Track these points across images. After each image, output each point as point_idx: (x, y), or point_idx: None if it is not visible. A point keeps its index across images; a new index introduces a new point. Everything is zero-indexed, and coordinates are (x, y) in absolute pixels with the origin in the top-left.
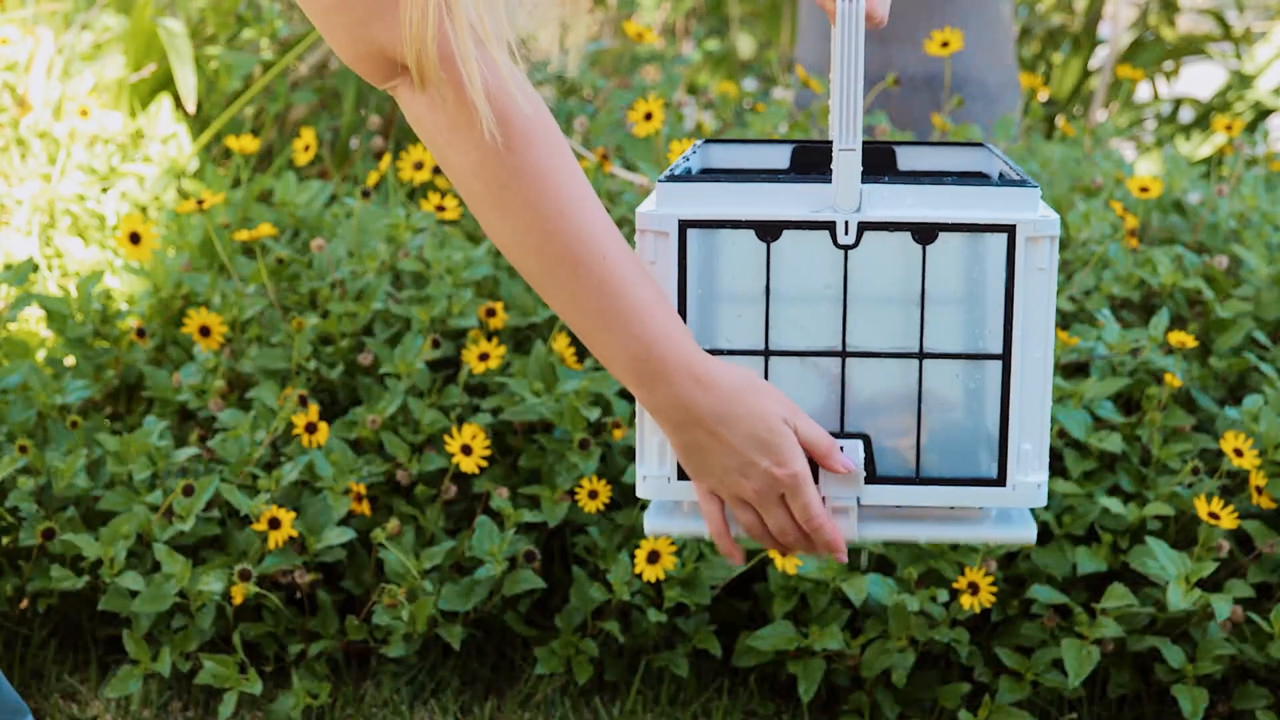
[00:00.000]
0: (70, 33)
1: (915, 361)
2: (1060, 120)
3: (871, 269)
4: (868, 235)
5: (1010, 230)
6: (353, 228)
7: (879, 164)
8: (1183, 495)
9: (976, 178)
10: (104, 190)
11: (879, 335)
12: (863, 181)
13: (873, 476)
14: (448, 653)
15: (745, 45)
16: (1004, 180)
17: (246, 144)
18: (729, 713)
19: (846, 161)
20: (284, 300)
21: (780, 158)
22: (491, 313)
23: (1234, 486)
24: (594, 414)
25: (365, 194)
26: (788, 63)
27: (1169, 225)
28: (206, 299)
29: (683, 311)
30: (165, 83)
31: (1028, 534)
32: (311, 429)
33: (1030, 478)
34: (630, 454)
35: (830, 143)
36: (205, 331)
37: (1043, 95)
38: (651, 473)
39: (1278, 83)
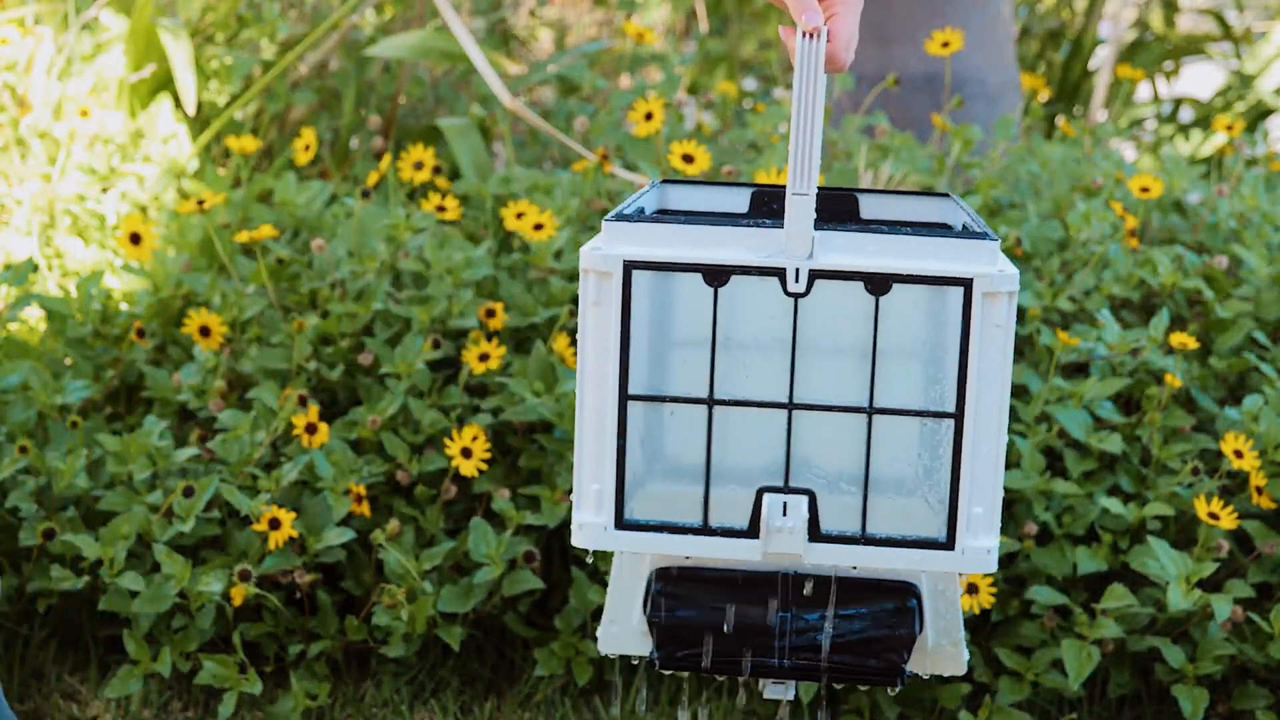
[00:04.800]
0: (70, 33)
1: (865, 417)
2: (1060, 120)
3: (825, 319)
4: (820, 284)
5: (967, 284)
6: (353, 228)
7: (840, 211)
8: (1183, 495)
9: (939, 229)
10: (104, 190)
11: (830, 388)
12: (819, 228)
13: (817, 535)
14: (448, 653)
15: (745, 45)
16: (964, 232)
17: (246, 144)
18: (729, 713)
19: (799, 206)
20: (284, 300)
21: (739, 201)
22: (491, 313)
23: (1234, 487)
24: None
25: (365, 194)
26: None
27: (1169, 225)
28: (206, 299)
29: (625, 354)
30: (165, 83)
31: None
32: (311, 429)
33: (980, 542)
34: None
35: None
36: (205, 331)
37: (1043, 95)
38: (588, 520)
39: (1278, 83)
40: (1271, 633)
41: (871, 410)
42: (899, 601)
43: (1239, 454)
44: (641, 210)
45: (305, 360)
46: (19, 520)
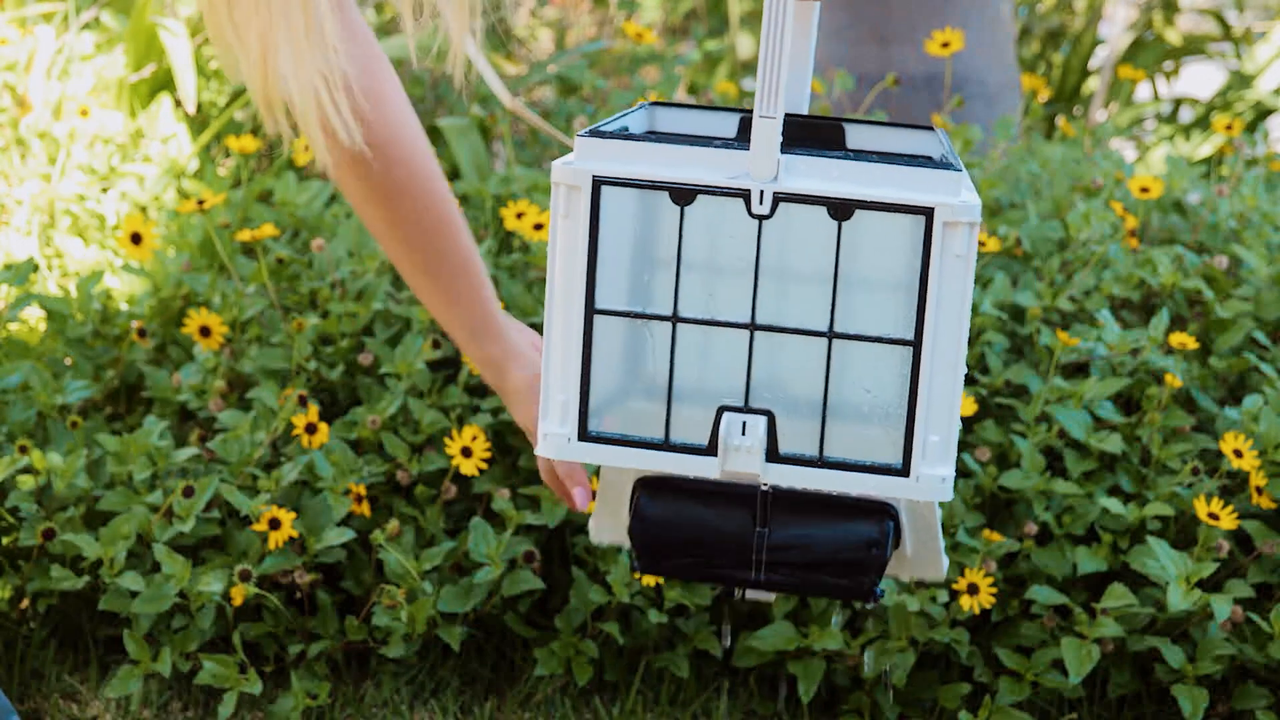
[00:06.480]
0: (70, 33)
1: (826, 342)
2: (1060, 120)
3: (790, 243)
4: (787, 208)
5: (928, 213)
6: (353, 228)
7: (827, 139)
8: (1183, 495)
9: (918, 160)
10: (104, 190)
11: (797, 314)
12: (790, 153)
13: (775, 455)
14: (448, 653)
15: (745, 45)
16: (930, 162)
17: (246, 144)
18: (729, 713)
19: (765, 129)
20: (284, 300)
21: (728, 126)
22: None
23: (1234, 487)
24: None
25: None
26: None
27: (1169, 225)
28: (206, 299)
29: (593, 269)
30: (165, 83)
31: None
32: (311, 429)
33: (935, 470)
34: None
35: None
36: (205, 331)
37: (1043, 95)
38: (553, 430)
39: (1278, 83)
40: (1271, 633)
41: (831, 335)
42: (875, 522)
43: (1239, 454)
44: (625, 129)
45: (305, 360)
46: (19, 520)
